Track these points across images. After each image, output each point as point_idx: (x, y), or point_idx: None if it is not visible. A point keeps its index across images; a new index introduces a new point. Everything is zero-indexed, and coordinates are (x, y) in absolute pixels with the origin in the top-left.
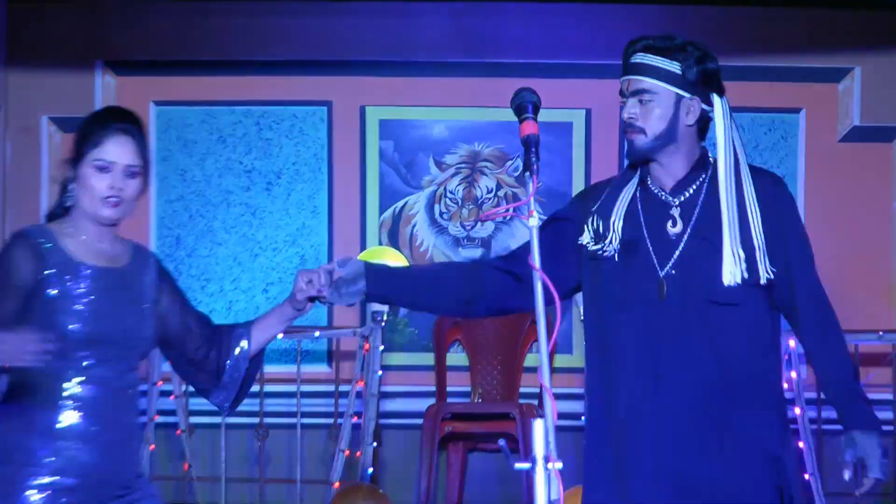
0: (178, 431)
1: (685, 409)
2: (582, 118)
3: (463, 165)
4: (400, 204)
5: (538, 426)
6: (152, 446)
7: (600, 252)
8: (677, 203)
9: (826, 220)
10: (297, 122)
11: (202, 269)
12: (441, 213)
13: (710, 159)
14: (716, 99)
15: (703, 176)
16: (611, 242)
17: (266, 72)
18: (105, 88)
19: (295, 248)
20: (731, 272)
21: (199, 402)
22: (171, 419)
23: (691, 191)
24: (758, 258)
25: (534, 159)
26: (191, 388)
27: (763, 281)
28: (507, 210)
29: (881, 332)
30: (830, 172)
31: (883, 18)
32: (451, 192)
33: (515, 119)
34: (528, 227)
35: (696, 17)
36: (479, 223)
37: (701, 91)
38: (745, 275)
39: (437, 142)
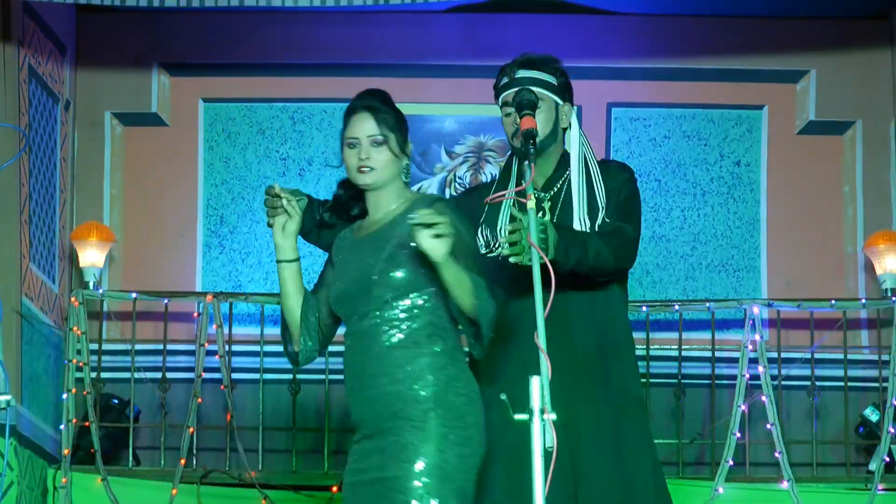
0: (223, 387)
1: (571, 369)
2: (573, 115)
3: (470, 154)
4: (415, 188)
5: (535, 382)
6: (199, 399)
7: (491, 254)
8: (548, 198)
9: (785, 203)
10: (326, 116)
11: (243, 244)
12: (451, 196)
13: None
14: (572, 107)
15: (567, 172)
16: (500, 247)
17: (300, 73)
18: (160, 87)
19: None
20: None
21: (240, 361)
22: (216, 376)
23: (558, 186)
24: (599, 218)
25: (531, 150)
26: (234, 349)
27: None
28: (510, 193)
29: (833, 301)
30: (790, 161)
31: (836, 25)
32: (459, 178)
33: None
34: (528, 209)
35: (671, 26)
36: (485, 205)
37: (566, 98)
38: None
39: (447, 134)
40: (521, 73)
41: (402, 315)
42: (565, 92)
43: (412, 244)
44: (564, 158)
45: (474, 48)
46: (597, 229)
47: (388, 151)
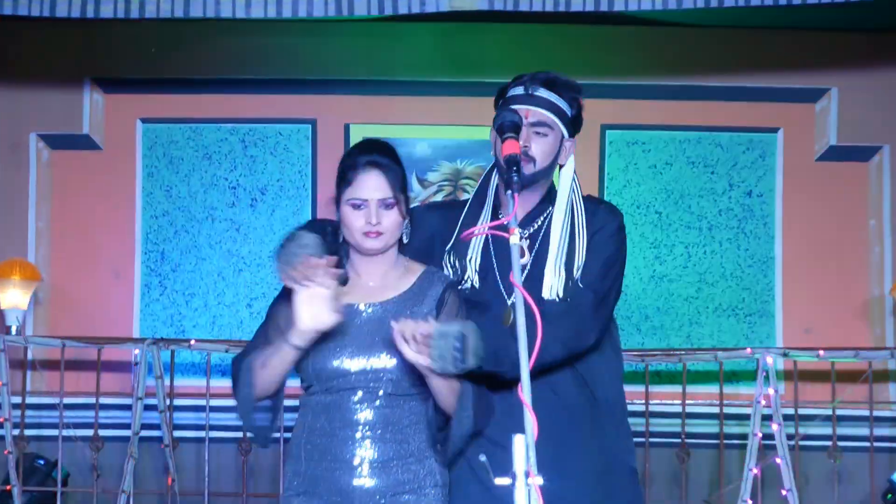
0: (163, 445)
1: (555, 433)
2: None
3: (445, 183)
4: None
5: (518, 441)
6: (135, 460)
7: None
8: (527, 235)
9: (803, 239)
10: (281, 139)
11: (187, 284)
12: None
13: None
14: (575, 143)
15: (550, 209)
16: (469, 280)
17: (251, 90)
18: (93, 105)
19: None
20: (550, 286)
21: (183, 417)
22: (155, 433)
23: (538, 222)
24: (575, 278)
25: (515, 177)
26: (176, 402)
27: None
28: (488, 228)
29: (857, 350)
30: (808, 191)
31: (859, 40)
32: None
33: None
34: (511, 245)
35: (675, 37)
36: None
37: (573, 133)
38: (561, 292)
39: (419, 159)
40: (541, 93)
41: (396, 401)
42: (575, 126)
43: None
44: (550, 193)
45: (450, 62)
46: (559, 294)
47: (398, 214)
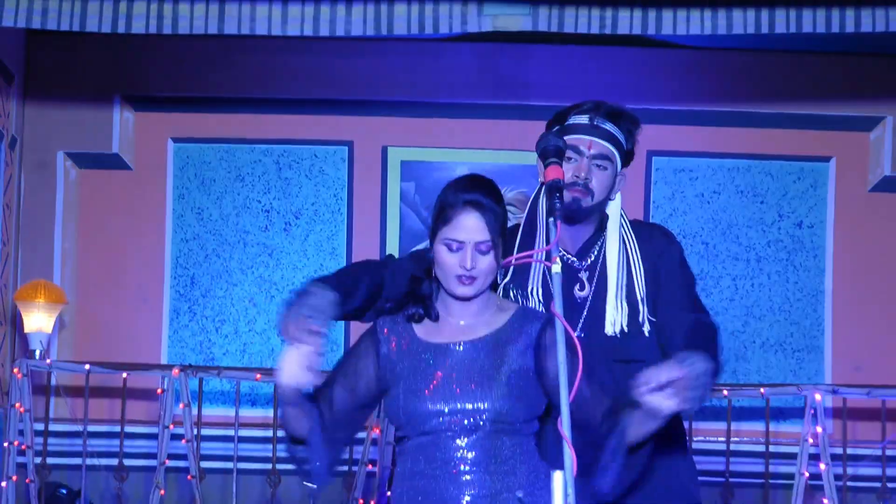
0: (189, 477)
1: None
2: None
3: None
4: (420, 247)
5: (557, 478)
6: (162, 491)
7: None
8: (585, 266)
9: (854, 272)
10: (317, 161)
11: (217, 311)
12: None
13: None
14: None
15: (603, 239)
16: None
17: (287, 110)
18: (123, 124)
19: None
20: (612, 321)
21: (211, 447)
22: (181, 464)
23: (594, 254)
24: (640, 310)
25: (558, 204)
26: (203, 432)
27: (646, 332)
28: (530, 256)
29: None
30: (861, 223)
31: None
32: None
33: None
34: (551, 274)
35: (724, 62)
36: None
37: (625, 165)
38: (626, 327)
39: None
40: (607, 126)
41: (496, 434)
42: (628, 159)
43: (530, 368)
44: (602, 224)
45: (493, 84)
46: (647, 323)
47: (494, 259)
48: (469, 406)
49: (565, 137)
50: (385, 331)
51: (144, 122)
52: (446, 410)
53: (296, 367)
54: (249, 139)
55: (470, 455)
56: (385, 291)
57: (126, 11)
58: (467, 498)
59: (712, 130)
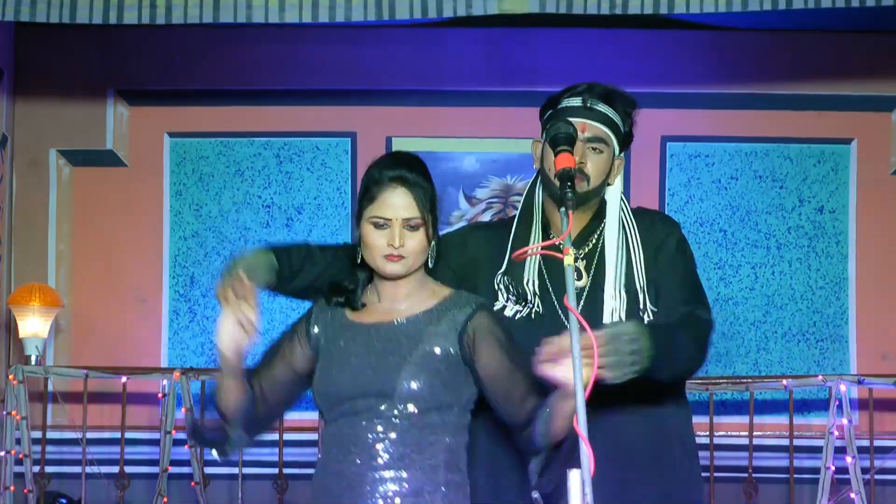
0: (193, 483)
1: (613, 471)
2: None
3: (495, 200)
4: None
5: (574, 476)
6: (165, 499)
7: (516, 315)
8: (582, 255)
9: (878, 258)
10: (319, 154)
11: (218, 311)
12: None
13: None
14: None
15: (601, 227)
16: (531, 307)
17: (287, 101)
18: (117, 119)
19: None
20: (611, 310)
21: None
22: (185, 470)
23: (592, 242)
24: (639, 299)
25: (570, 194)
26: None
27: (646, 320)
28: (541, 248)
29: None
30: (884, 206)
31: None
32: None
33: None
34: (565, 267)
35: (740, 42)
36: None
37: (623, 149)
38: (624, 317)
39: (467, 175)
40: (600, 107)
41: (406, 427)
42: (626, 143)
43: (451, 351)
44: (601, 211)
45: (500, 70)
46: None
47: (424, 236)
48: (381, 388)
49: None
50: (316, 311)
51: (139, 117)
52: (358, 393)
53: (232, 327)
54: (248, 132)
55: (388, 444)
56: (320, 279)
57: (117, 2)
58: (389, 488)
59: (729, 114)
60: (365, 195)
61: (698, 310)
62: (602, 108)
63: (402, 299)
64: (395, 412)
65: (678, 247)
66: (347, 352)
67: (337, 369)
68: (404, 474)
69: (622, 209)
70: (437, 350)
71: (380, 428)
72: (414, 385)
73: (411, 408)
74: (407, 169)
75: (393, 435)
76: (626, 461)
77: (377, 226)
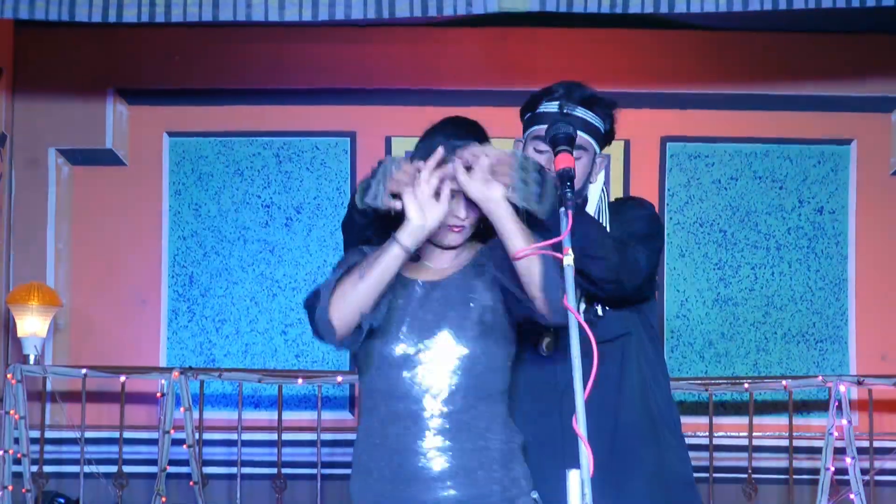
0: (192, 483)
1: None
2: (620, 151)
3: None
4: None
5: (573, 477)
6: (164, 499)
7: None
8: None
9: (879, 258)
10: (318, 153)
11: (217, 310)
12: None
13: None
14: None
15: None
16: None
17: (286, 101)
18: (117, 118)
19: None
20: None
21: (213, 452)
22: (183, 470)
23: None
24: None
25: (569, 194)
26: (205, 436)
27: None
28: (540, 248)
29: None
30: (884, 207)
31: None
32: None
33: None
34: (564, 267)
35: (740, 43)
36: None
37: (604, 146)
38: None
39: None
40: (578, 112)
41: (468, 394)
42: (608, 140)
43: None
44: (579, 210)
45: (500, 70)
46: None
47: (478, 212)
48: (436, 346)
49: (536, 126)
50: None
51: (139, 116)
52: (413, 353)
53: (428, 199)
54: (248, 132)
55: (440, 419)
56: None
57: (116, 0)
58: (437, 465)
59: (728, 114)
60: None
61: (635, 247)
62: (580, 112)
63: (447, 262)
64: (453, 385)
65: (645, 213)
66: (391, 308)
67: (391, 327)
68: (456, 455)
69: (600, 205)
70: (492, 305)
71: (435, 404)
72: (476, 345)
73: (464, 371)
74: (475, 137)
75: (448, 412)
76: (625, 433)
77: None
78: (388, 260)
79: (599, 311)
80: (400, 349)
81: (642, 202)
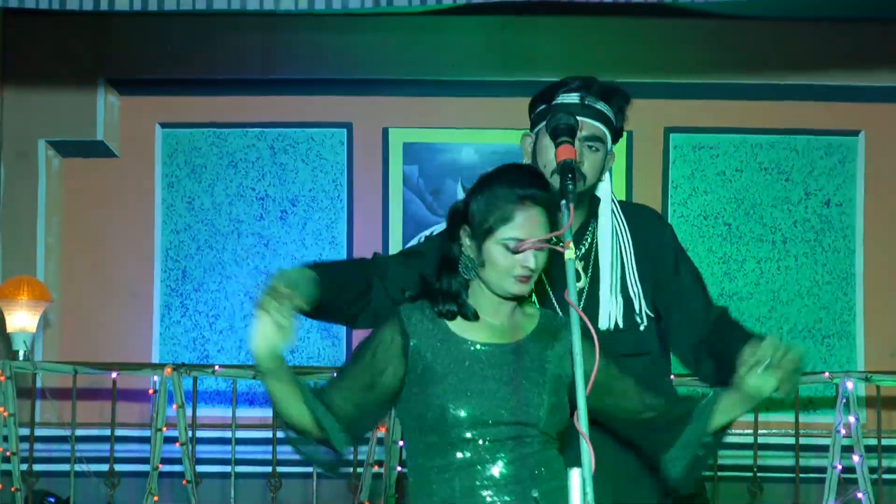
0: (185, 482)
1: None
2: (623, 142)
3: None
4: (425, 234)
5: (574, 475)
6: (156, 498)
7: None
8: (580, 256)
9: (887, 252)
10: (314, 145)
11: (211, 305)
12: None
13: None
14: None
15: (595, 226)
16: None
17: (281, 91)
18: (108, 109)
19: None
20: (608, 314)
21: (207, 450)
22: (176, 468)
23: (587, 242)
24: (634, 304)
25: (570, 186)
26: (199, 434)
27: (642, 327)
28: (542, 241)
29: None
30: (892, 199)
31: None
32: None
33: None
34: (566, 261)
35: (745, 31)
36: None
37: (614, 143)
38: (621, 322)
39: (466, 166)
40: (598, 105)
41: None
42: (616, 137)
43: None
44: (593, 208)
45: (500, 59)
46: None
47: (545, 257)
48: (506, 412)
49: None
50: (407, 321)
51: (130, 107)
52: (490, 422)
53: (269, 328)
54: (242, 123)
55: (504, 473)
56: (374, 298)
57: None
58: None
59: (734, 104)
60: (494, 213)
61: (718, 307)
62: (599, 105)
63: (507, 317)
64: (522, 447)
65: (676, 244)
66: (475, 373)
67: (444, 390)
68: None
69: (613, 208)
70: (561, 374)
71: (494, 456)
72: (547, 415)
73: (531, 435)
74: (539, 187)
75: (508, 463)
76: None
77: (508, 247)
78: (274, 391)
79: (643, 321)
80: (455, 411)
81: (658, 216)
